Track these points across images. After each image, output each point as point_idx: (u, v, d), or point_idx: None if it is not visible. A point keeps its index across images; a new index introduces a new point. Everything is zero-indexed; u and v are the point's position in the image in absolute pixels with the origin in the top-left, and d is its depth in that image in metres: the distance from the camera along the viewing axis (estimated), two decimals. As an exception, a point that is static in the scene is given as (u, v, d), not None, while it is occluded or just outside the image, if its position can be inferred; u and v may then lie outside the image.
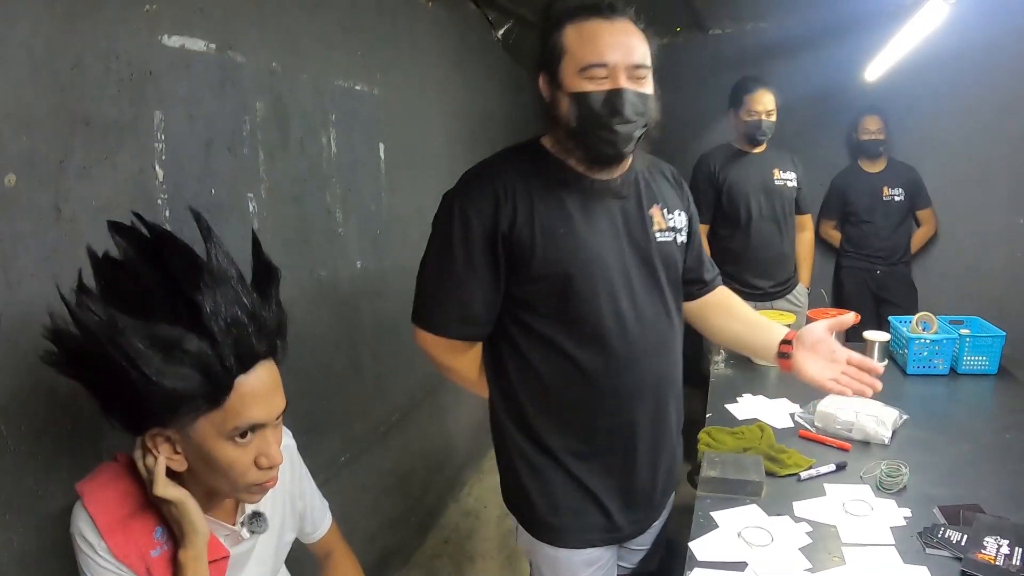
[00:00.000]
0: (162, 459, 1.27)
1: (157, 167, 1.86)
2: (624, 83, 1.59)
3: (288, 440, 1.67)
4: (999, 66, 4.67)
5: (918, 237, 4.99)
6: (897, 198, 4.78)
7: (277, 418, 1.33)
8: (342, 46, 2.74)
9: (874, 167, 4.87)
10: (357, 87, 2.83)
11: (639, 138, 1.67)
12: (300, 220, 2.53)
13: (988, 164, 4.89)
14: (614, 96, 1.59)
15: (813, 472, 2.08)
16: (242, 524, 1.47)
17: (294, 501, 1.68)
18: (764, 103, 3.83)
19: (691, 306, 2.09)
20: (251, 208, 2.25)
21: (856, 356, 1.82)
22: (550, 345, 1.74)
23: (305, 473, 1.75)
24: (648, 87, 1.66)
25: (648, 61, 1.66)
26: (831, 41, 4.88)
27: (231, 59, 2.14)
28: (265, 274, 1.41)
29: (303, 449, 1.73)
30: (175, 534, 1.33)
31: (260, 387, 1.27)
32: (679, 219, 1.88)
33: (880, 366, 1.82)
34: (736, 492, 1.96)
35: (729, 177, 3.93)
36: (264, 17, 2.30)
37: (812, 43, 4.97)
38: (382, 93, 3.02)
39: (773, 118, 3.87)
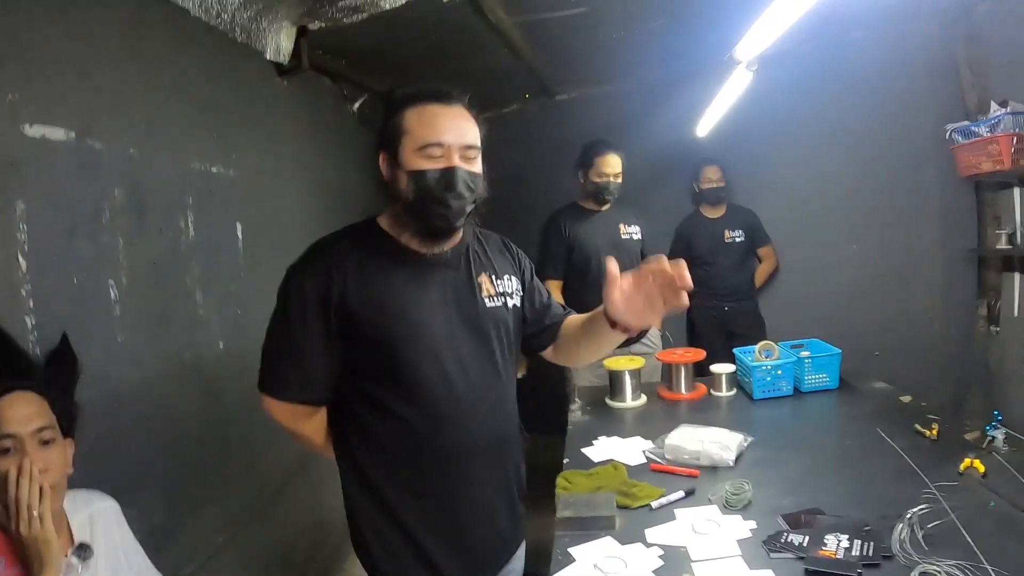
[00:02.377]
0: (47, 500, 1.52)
1: (20, 258, 1.90)
2: (457, 162, 1.76)
3: (109, 503, 1.84)
4: (813, 116, 5.18)
5: (761, 273, 5.36)
6: (738, 239, 5.13)
7: (31, 431, 1.57)
8: (199, 128, 2.78)
9: (715, 213, 5.21)
10: (213, 169, 2.87)
11: (470, 212, 1.83)
12: (161, 304, 2.54)
13: (820, 200, 5.35)
14: (448, 173, 1.75)
15: (664, 500, 2.20)
16: (70, 554, 1.64)
17: (128, 555, 1.83)
18: (612, 166, 4.09)
19: (552, 351, 2.23)
20: (112, 295, 2.27)
21: (653, 267, 1.70)
22: (384, 408, 1.85)
23: (132, 538, 1.88)
24: (478, 167, 1.83)
25: (478, 143, 1.83)
26: (667, 101, 5.23)
27: (90, 146, 2.18)
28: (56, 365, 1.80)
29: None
30: (27, 565, 1.52)
31: (11, 406, 1.56)
32: (509, 284, 2.03)
33: (676, 263, 1.67)
34: (590, 528, 2.05)
35: (579, 234, 4.15)
36: (123, 103, 2.34)
37: (650, 104, 5.32)
38: (238, 173, 3.05)
39: (620, 180, 4.13)
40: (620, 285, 1.77)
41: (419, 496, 1.89)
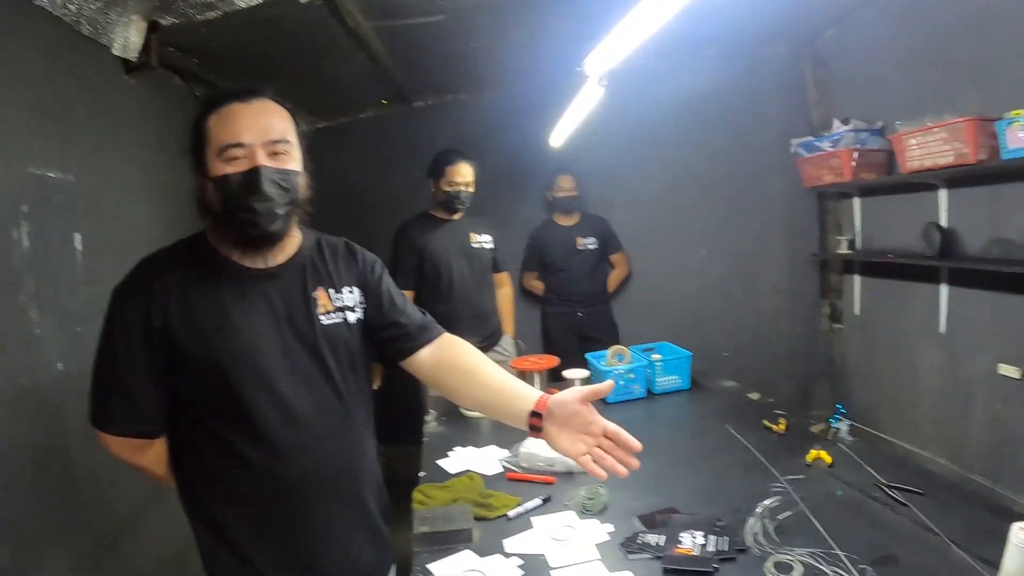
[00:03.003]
0: None
1: None
2: (262, 161, 1.61)
3: None
4: (665, 128, 5.32)
5: (613, 279, 5.43)
6: (590, 246, 5.20)
7: None
8: (36, 129, 2.55)
9: (568, 220, 5.26)
10: (51, 173, 2.64)
11: (286, 215, 1.68)
12: (-8, 325, 2.32)
13: (671, 208, 5.51)
14: (251, 175, 1.60)
15: (521, 509, 2.21)
16: None
17: None
18: (464, 175, 4.02)
19: (417, 365, 1.92)
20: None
21: (611, 428, 1.62)
22: (220, 441, 1.68)
23: None
24: (291, 163, 1.67)
25: (289, 137, 1.68)
26: (523, 111, 5.22)
27: (-89, 150, 1.96)
28: None
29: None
30: None
31: None
32: (351, 296, 1.84)
33: (636, 443, 1.63)
34: (448, 542, 2.03)
35: (429, 245, 4.07)
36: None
37: (507, 113, 5.30)
38: (79, 178, 2.81)
39: (472, 189, 4.07)
40: (578, 402, 1.62)
41: (268, 535, 1.72)
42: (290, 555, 1.73)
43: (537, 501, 2.25)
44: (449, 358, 1.92)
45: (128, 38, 3.03)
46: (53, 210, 2.64)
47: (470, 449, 2.78)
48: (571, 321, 5.18)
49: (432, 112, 5.50)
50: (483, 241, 4.21)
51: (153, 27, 3.11)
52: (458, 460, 2.69)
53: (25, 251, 2.47)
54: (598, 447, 1.62)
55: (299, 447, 1.70)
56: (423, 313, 1.99)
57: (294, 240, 1.78)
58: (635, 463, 1.62)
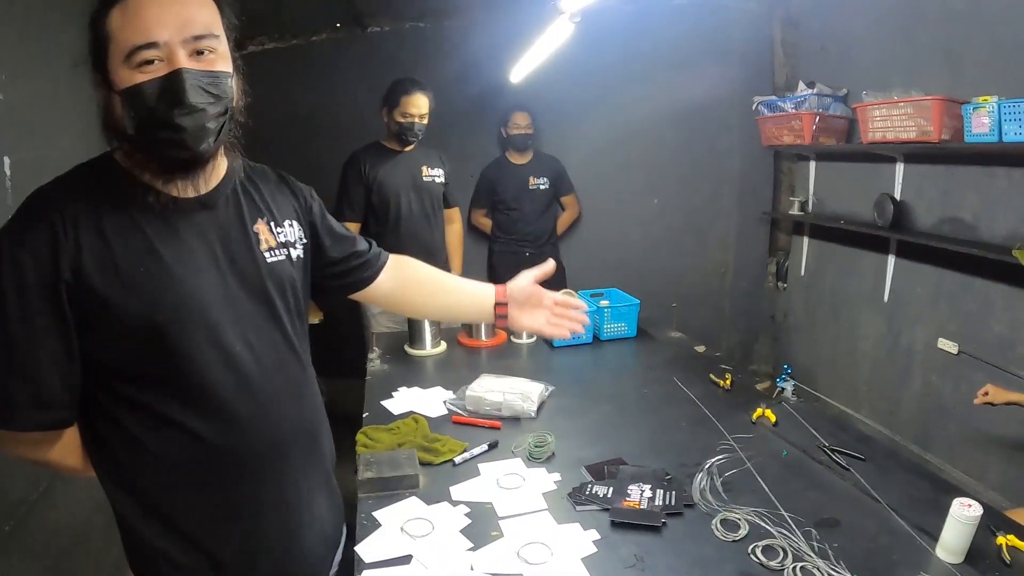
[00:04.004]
0: None
1: None
2: (183, 62, 1.24)
3: None
4: (627, 73, 5.32)
5: (563, 220, 5.44)
6: (542, 187, 5.16)
7: None
8: None
9: (521, 159, 5.20)
10: None
11: (218, 129, 1.32)
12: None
13: (625, 154, 5.54)
14: (172, 81, 1.24)
15: (467, 455, 2.16)
16: None
17: None
18: (419, 106, 3.92)
19: (376, 292, 1.84)
20: None
21: (559, 297, 1.94)
22: (158, 416, 1.36)
23: None
24: (220, 63, 1.31)
25: (216, 30, 1.30)
26: (483, 42, 5.11)
27: None
28: None
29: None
30: None
31: None
32: (291, 231, 1.58)
33: (582, 303, 1.99)
34: (394, 488, 1.97)
35: (379, 175, 3.99)
36: None
37: (465, 44, 5.18)
38: (7, 98, 2.57)
39: (426, 121, 3.98)
40: (531, 283, 1.91)
41: (226, 518, 1.45)
42: (261, 539, 1.50)
43: (483, 447, 2.21)
44: (408, 277, 1.93)
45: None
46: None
47: (415, 390, 2.72)
48: (518, 260, 5.09)
49: (387, 39, 5.33)
50: (435, 175, 4.15)
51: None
52: (402, 401, 2.63)
53: (-53, 176, 2.27)
54: (554, 315, 1.94)
55: (259, 412, 1.44)
56: (367, 240, 1.87)
57: (222, 161, 1.45)
58: (585, 320, 1.99)
